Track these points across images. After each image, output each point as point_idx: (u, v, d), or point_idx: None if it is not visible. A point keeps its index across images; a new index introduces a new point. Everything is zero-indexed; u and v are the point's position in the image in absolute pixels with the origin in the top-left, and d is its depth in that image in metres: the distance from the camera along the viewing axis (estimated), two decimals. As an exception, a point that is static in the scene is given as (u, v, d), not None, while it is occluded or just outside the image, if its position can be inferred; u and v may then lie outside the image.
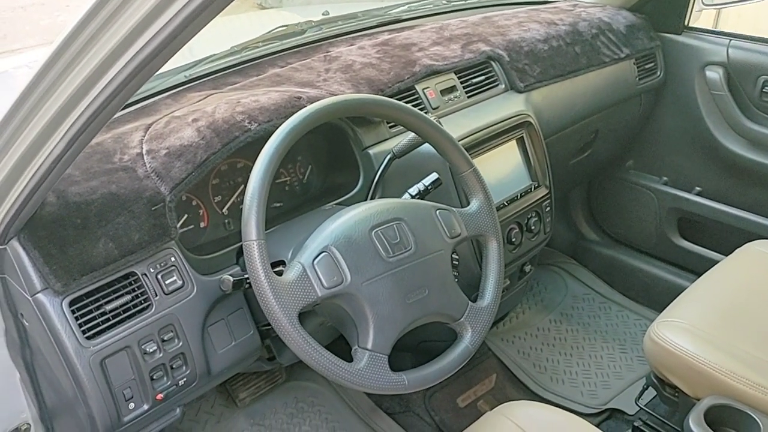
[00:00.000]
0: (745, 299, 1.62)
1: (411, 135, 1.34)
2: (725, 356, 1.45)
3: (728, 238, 2.01)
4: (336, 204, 1.37)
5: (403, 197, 1.30)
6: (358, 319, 1.06)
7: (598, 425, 1.80)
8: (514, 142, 1.61)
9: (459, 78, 1.64)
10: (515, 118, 1.59)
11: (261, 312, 1.24)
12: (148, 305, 1.10)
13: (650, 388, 1.80)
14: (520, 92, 1.70)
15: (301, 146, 1.45)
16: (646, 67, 2.04)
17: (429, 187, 1.31)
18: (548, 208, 1.66)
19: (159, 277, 1.11)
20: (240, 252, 1.26)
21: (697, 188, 2.13)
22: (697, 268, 2.11)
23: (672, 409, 1.75)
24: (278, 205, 1.42)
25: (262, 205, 1.01)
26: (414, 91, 1.54)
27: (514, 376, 1.97)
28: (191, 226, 1.31)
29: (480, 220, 1.22)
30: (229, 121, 1.20)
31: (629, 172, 2.27)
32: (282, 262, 1.15)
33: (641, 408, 1.78)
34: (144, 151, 1.16)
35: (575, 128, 1.88)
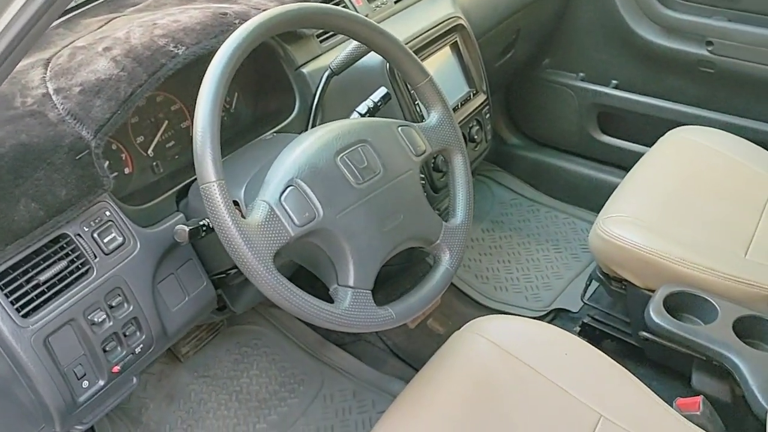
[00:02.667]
0: (681, 186, 1.64)
1: (349, 48, 1.22)
2: (672, 244, 1.47)
3: (648, 129, 2.03)
4: (275, 132, 1.24)
5: (352, 117, 1.18)
6: (336, 255, 0.96)
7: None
8: (448, 48, 1.51)
9: (385, -18, 1.51)
10: (447, 22, 1.49)
11: (212, 261, 1.12)
12: (88, 269, 0.96)
13: (592, 283, 1.84)
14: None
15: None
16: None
17: (379, 104, 1.20)
18: (488, 115, 1.59)
19: (95, 235, 0.96)
20: (180, 196, 1.11)
21: (614, 81, 2.13)
22: (621, 162, 2.15)
23: (618, 303, 1.79)
24: (210, 139, 1.27)
25: (216, 140, 0.87)
26: (340, -1, 1.41)
27: (459, 290, 1.95)
28: (115, 174, 1.15)
29: (442, 133, 1.13)
30: (150, 46, 1.03)
31: (546, 71, 2.24)
32: (235, 203, 1.02)
33: (586, 304, 1.81)
34: (51, 91, 0.98)
35: (500, 28, 1.80)
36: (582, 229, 2.17)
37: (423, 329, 1.85)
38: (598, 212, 2.10)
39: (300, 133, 1.05)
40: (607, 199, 2.22)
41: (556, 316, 1.89)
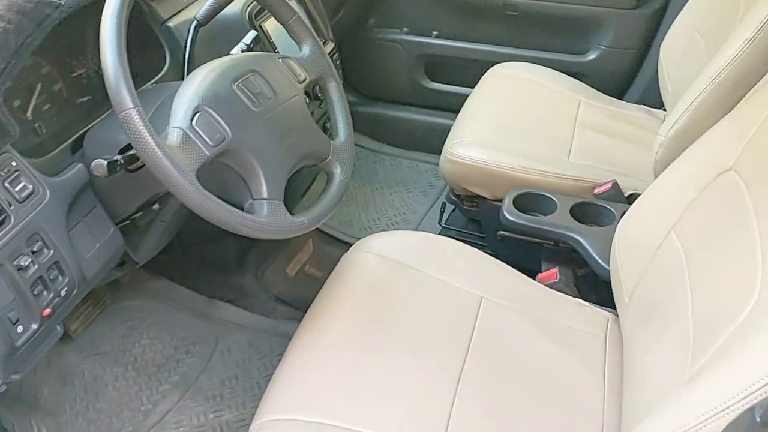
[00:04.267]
0: (509, 111, 1.89)
1: (213, -2, 1.30)
2: (512, 156, 1.70)
3: (470, 72, 2.27)
4: (152, 84, 1.29)
5: (230, 59, 1.27)
6: (247, 172, 1.05)
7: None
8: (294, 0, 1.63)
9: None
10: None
11: (115, 207, 1.16)
12: (5, 217, 0.97)
13: (447, 208, 2.05)
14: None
15: (89, 33, 1.31)
16: None
17: (251, 45, 1.29)
18: (338, 61, 1.73)
19: (7, 184, 0.98)
20: (76, 146, 1.14)
21: (435, 32, 2.36)
22: (450, 106, 2.37)
23: (471, 222, 2.01)
24: (87, 99, 1.29)
25: (127, 71, 0.93)
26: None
27: (328, 235, 2.08)
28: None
29: (316, 63, 1.25)
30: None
31: (373, 30, 2.41)
32: None
33: (444, 227, 2.02)
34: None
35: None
36: (425, 170, 2.39)
37: (301, 274, 1.96)
38: (437, 153, 2.33)
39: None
40: (442, 140, 2.45)
41: (419, 244, 2.09)
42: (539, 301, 1.33)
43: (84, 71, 1.32)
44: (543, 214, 1.61)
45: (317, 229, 2.08)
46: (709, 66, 1.37)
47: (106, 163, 1.00)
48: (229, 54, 1.27)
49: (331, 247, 2.06)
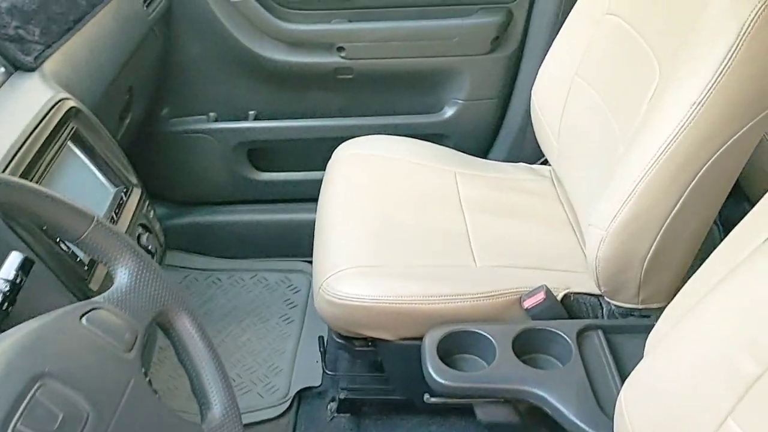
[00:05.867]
0: (380, 209, 1.49)
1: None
2: (415, 283, 1.30)
3: (308, 152, 1.84)
4: None
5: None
6: None
7: (296, 415, 1.52)
8: (69, 144, 1.06)
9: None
10: (54, 110, 1.04)
11: None
12: None
13: (329, 348, 1.58)
14: (32, 70, 1.13)
15: None
16: (146, -10, 1.61)
17: (19, 281, 0.73)
18: (152, 212, 1.19)
19: None
20: None
21: (252, 112, 1.87)
22: (294, 195, 1.93)
23: (365, 362, 1.56)
24: None
25: None
26: None
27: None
28: None
29: (146, 293, 0.72)
30: None
31: (170, 122, 1.86)
32: None
33: (330, 374, 1.56)
34: None
35: (110, 94, 1.38)
36: (276, 283, 1.90)
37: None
38: (288, 256, 1.88)
39: None
40: (288, 241, 1.99)
41: (303, 400, 1.59)
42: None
43: None
44: (476, 355, 1.23)
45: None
46: (641, 140, 1.13)
47: None
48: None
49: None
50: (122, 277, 0.72)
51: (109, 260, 0.72)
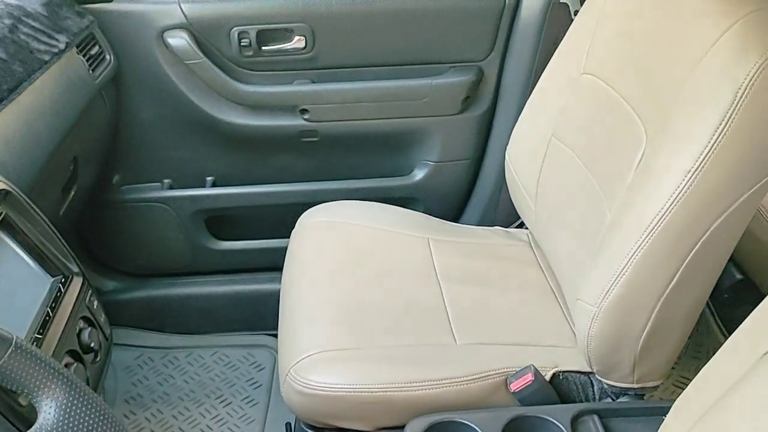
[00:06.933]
0: (351, 283, 1.38)
1: None
2: (392, 368, 1.19)
3: (272, 219, 1.74)
4: None
5: None
6: None
7: None
8: (-4, 233, 0.94)
9: None
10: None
11: None
12: None
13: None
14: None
15: None
16: (92, 53, 1.49)
17: None
18: (96, 304, 1.06)
19: None
20: None
21: (209, 178, 1.76)
22: (256, 264, 1.81)
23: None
24: None
25: None
26: None
27: None
28: None
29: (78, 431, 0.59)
30: None
31: (121, 190, 1.74)
32: None
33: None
34: None
35: (50, 167, 1.26)
36: (239, 359, 1.76)
37: None
38: (251, 330, 1.77)
39: None
40: (251, 314, 1.89)
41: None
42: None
43: None
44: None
45: None
46: (633, 209, 1.06)
47: None
48: None
49: None
50: (47, 412, 0.59)
51: (31, 391, 0.59)
